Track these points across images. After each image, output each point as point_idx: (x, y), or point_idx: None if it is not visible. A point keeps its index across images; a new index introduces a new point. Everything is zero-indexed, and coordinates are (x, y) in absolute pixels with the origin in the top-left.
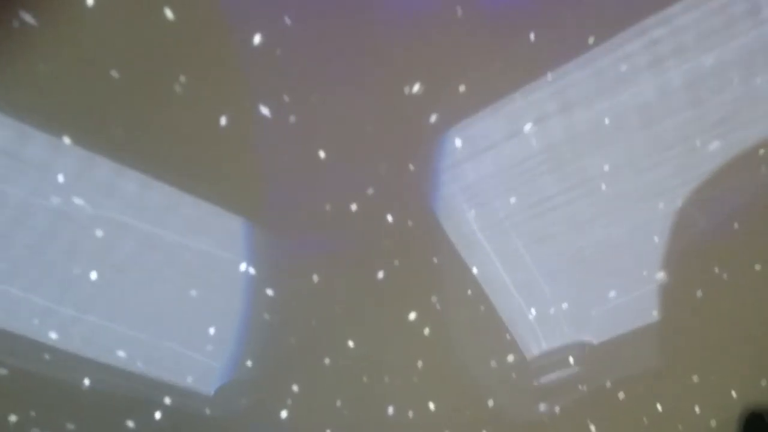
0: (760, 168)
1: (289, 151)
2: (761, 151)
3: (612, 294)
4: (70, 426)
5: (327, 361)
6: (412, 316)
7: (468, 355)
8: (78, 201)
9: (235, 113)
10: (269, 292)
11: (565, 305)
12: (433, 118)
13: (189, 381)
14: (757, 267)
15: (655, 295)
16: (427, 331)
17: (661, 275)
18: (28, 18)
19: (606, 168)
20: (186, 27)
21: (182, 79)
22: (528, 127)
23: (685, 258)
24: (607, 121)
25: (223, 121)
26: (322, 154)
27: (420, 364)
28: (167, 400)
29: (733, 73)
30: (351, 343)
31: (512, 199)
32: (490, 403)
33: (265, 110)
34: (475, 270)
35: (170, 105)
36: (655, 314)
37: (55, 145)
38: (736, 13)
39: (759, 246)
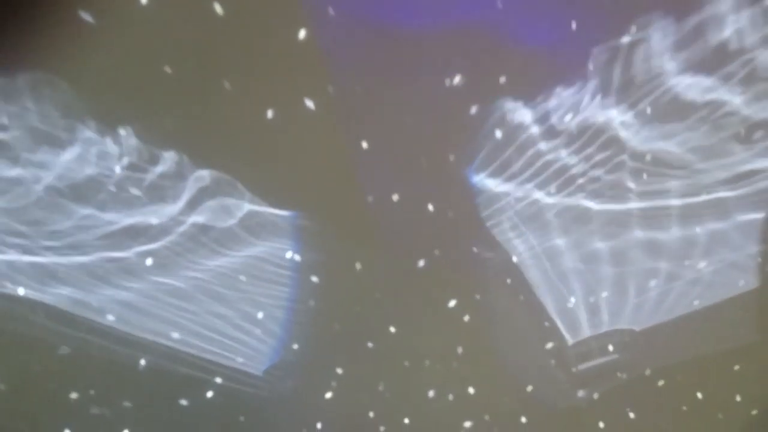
0: None
1: (334, 141)
2: None
3: (653, 283)
4: (127, 404)
5: (370, 345)
6: (452, 303)
7: (507, 341)
8: (134, 191)
9: (281, 106)
10: (314, 279)
11: (605, 294)
12: (473, 110)
13: (239, 362)
14: None
15: (697, 284)
16: (467, 317)
17: (702, 264)
18: (87, 17)
19: (648, 158)
20: (234, 22)
21: (231, 73)
22: (568, 117)
23: (727, 249)
24: (648, 110)
25: (269, 114)
26: (364, 144)
27: (460, 350)
28: (218, 380)
29: None
30: (392, 329)
31: (552, 189)
32: (529, 388)
33: (309, 103)
34: (515, 258)
35: (220, 99)
36: (696, 303)
37: (113, 137)
38: None
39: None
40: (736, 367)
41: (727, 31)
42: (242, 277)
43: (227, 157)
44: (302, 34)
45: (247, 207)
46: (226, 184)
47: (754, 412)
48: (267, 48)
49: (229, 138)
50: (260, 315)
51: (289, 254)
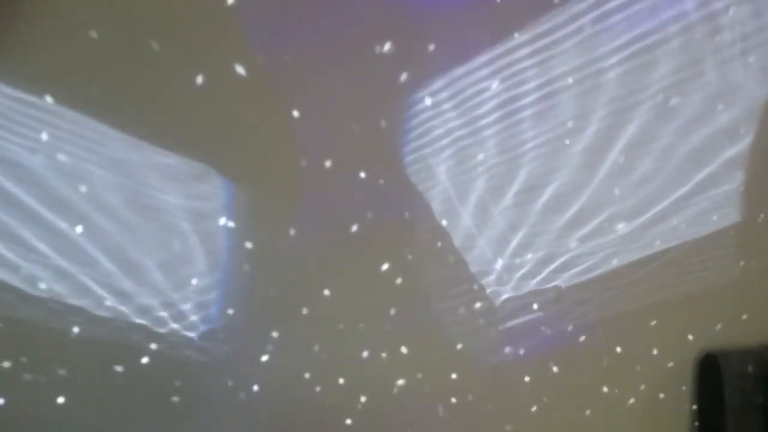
0: None
1: (265, 109)
2: None
3: (573, 244)
4: (61, 371)
5: (304, 309)
6: (385, 266)
7: (438, 303)
8: (61, 157)
9: (211, 72)
10: (248, 244)
11: (529, 255)
12: (403, 77)
13: (174, 328)
14: (714, 217)
15: (615, 243)
16: (399, 280)
17: (621, 225)
18: None
19: (570, 125)
20: None
21: (160, 38)
22: (495, 84)
23: (643, 210)
24: (570, 80)
25: (199, 80)
26: (296, 112)
27: (393, 311)
28: (153, 347)
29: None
30: (327, 292)
31: (480, 156)
32: (459, 346)
33: (240, 69)
34: (444, 222)
35: (148, 64)
36: (614, 262)
37: (38, 105)
38: None
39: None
40: (653, 323)
41: None
42: (176, 245)
43: (158, 122)
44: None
45: (179, 173)
46: (156, 151)
47: (670, 364)
48: (196, 13)
49: (159, 104)
50: (194, 281)
51: (222, 221)
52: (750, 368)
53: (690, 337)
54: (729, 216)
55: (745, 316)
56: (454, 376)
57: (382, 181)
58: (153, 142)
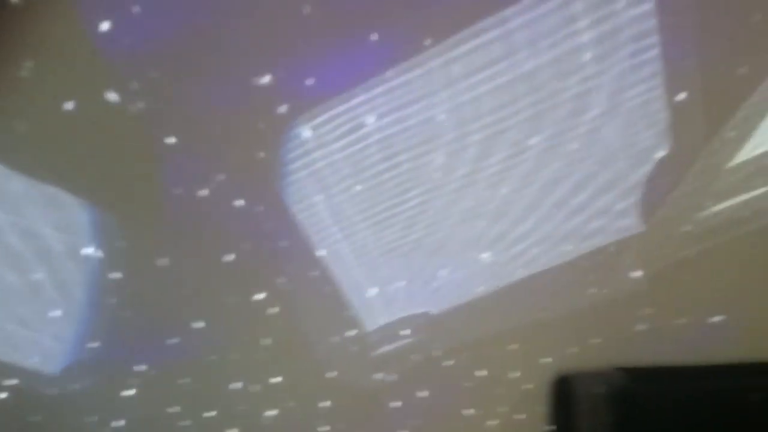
0: None
1: (138, 136)
2: None
3: (442, 272)
4: None
5: (174, 341)
6: (261, 296)
7: (312, 331)
8: None
9: (81, 99)
10: (116, 275)
11: (401, 283)
12: (283, 109)
13: (34, 362)
14: (569, 247)
15: (480, 272)
16: (274, 310)
17: (485, 255)
18: None
19: (440, 161)
20: (33, 11)
21: (28, 63)
22: (372, 119)
23: (506, 241)
24: (443, 116)
25: (69, 106)
26: (172, 140)
27: (267, 341)
28: (13, 381)
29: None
30: (199, 324)
31: (357, 187)
32: (332, 374)
33: (113, 96)
34: (321, 252)
35: (16, 89)
36: (479, 290)
37: None
38: None
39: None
40: (514, 347)
41: None
42: (38, 275)
43: (24, 150)
44: (105, 26)
45: (44, 201)
46: (22, 179)
47: (529, 386)
48: (67, 39)
49: (27, 130)
50: (57, 313)
51: (89, 250)
52: (601, 389)
53: (547, 360)
54: (579, 248)
55: (595, 340)
56: (326, 403)
57: (260, 211)
58: (17, 169)
